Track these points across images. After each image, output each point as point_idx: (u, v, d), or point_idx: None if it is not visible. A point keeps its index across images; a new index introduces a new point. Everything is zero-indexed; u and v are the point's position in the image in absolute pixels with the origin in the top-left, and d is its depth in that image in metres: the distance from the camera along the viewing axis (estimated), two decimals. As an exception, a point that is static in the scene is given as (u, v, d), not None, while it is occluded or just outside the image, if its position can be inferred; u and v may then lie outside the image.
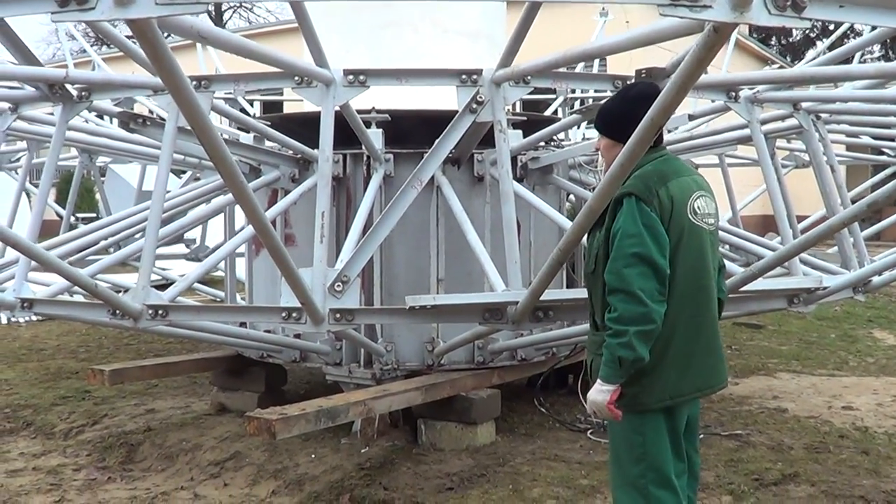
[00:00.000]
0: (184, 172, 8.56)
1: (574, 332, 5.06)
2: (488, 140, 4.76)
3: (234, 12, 41.05)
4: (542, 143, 5.86)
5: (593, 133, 3.19)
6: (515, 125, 5.66)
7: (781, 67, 19.11)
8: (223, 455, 5.08)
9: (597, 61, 15.82)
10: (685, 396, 2.97)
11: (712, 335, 3.02)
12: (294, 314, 4.13)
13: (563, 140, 7.48)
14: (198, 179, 7.23)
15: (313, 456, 4.99)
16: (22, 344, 8.86)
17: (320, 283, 4.08)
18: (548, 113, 9.44)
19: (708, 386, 3.07)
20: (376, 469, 4.79)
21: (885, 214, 10.27)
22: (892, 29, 2.36)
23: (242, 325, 5.53)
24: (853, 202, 5.18)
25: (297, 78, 4.41)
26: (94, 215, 14.90)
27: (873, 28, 4.84)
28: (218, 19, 38.66)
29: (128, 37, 5.35)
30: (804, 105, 5.32)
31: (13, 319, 9.88)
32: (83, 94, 4.80)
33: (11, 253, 5.45)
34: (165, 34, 4.12)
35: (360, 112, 4.86)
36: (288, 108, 13.07)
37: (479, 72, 4.43)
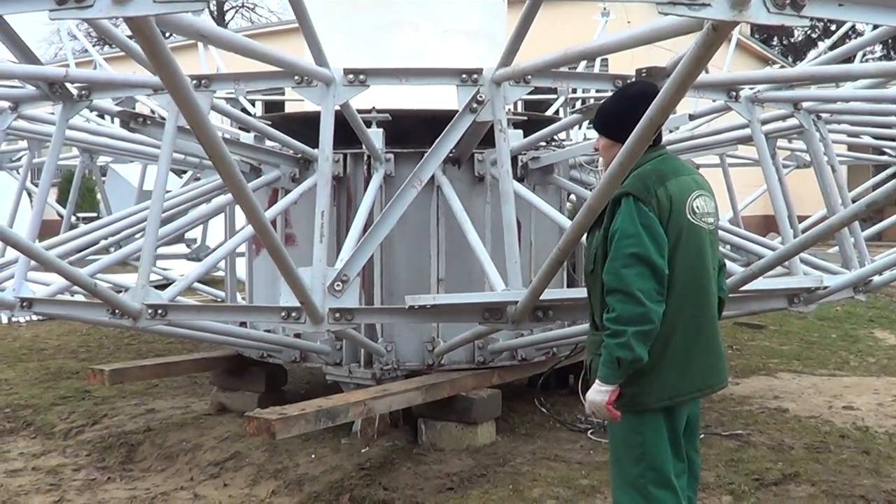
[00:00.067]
0: (185, 172, 8.56)
1: (574, 331, 5.06)
2: (489, 140, 4.75)
3: (236, 12, 41.11)
4: (543, 143, 5.85)
5: (594, 133, 3.18)
6: (516, 125, 5.66)
7: (783, 68, 19.07)
8: (223, 455, 5.07)
9: (598, 61, 15.83)
10: (685, 396, 2.96)
11: (712, 335, 3.01)
12: (293, 314, 4.12)
13: (564, 140, 7.48)
14: (198, 179, 7.23)
15: (313, 456, 4.99)
16: (22, 344, 8.87)
17: (320, 283, 4.08)
18: (549, 113, 9.44)
19: (708, 386, 3.06)
20: (376, 469, 4.78)
21: (887, 214, 10.26)
22: (892, 28, 2.36)
23: (243, 324, 5.53)
24: (854, 202, 5.17)
25: (297, 77, 4.40)
26: (94, 215, 14.91)
27: (875, 27, 4.84)
28: (220, 19, 38.70)
29: (129, 36, 5.35)
30: (805, 105, 5.31)
31: (14, 319, 9.88)
32: (83, 93, 4.80)
33: (11, 252, 5.45)
34: (168, 34, 4.13)
35: (360, 111, 4.85)
36: (290, 108, 13.06)
37: (479, 71, 4.43)
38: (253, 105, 11.33)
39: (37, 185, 5.58)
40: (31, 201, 8.25)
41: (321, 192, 4.26)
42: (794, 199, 6.12)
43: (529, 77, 4.36)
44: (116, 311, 4.24)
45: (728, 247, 6.33)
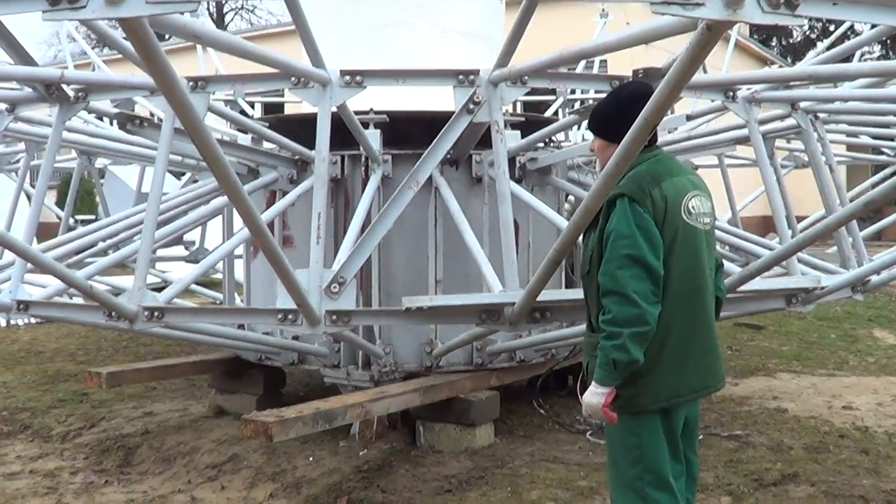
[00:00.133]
0: (184, 174, 8.55)
1: (573, 332, 5.04)
2: (487, 141, 4.74)
3: (235, 14, 41.13)
4: (541, 144, 5.84)
5: (591, 134, 3.17)
6: (514, 126, 5.64)
7: (781, 68, 19.07)
8: (221, 458, 5.06)
9: (597, 62, 15.82)
10: (682, 398, 2.95)
11: (708, 335, 3.00)
12: (290, 316, 4.11)
13: (562, 141, 7.46)
14: (197, 181, 7.21)
15: (311, 459, 4.97)
16: (21, 346, 8.86)
17: (316, 285, 4.06)
18: (548, 114, 9.42)
19: (705, 386, 3.05)
20: (374, 471, 4.77)
21: (886, 213, 10.25)
22: (890, 27, 2.35)
23: (241, 327, 5.52)
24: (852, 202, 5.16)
25: (293, 78, 4.39)
26: (92, 217, 14.89)
27: (872, 26, 4.83)
28: (220, 21, 38.72)
29: (125, 38, 5.34)
30: (802, 105, 5.30)
31: (12, 322, 9.87)
32: (80, 94, 4.78)
33: (8, 255, 5.44)
34: (168, 36, 4.11)
35: (358, 113, 4.84)
36: (289, 110, 13.06)
37: (475, 72, 4.42)
38: (252, 107, 11.32)
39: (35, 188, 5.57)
40: (29, 203, 8.24)
41: (317, 193, 4.25)
42: (793, 200, 6.11)
43: (526, 78, 4.35)
44: (112, 313, 4.23)
45: (727, 247, 6.32)
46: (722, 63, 10.60)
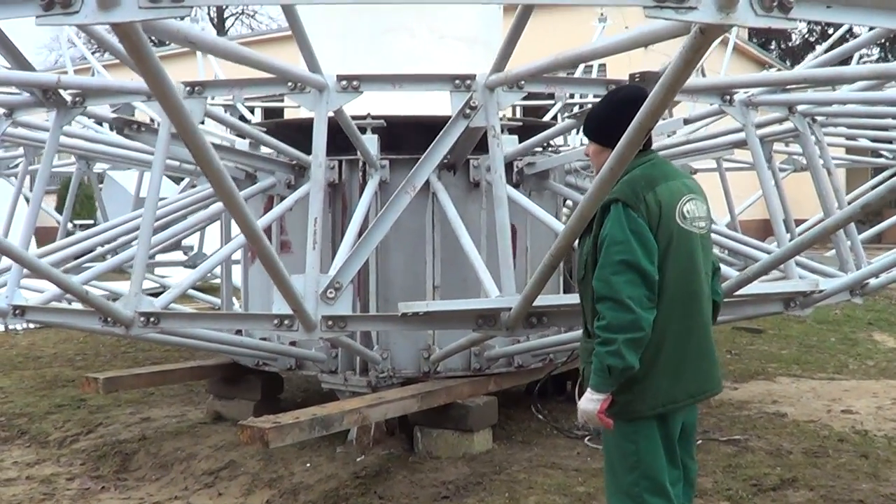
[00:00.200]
0: (182, 179, 8.54)
1: (570, 338, 5.03)
2: (484, 146, 4.74)
3: (235, 19, 41.17)
4: (539, 149, 5.84)
5: (589, 139, 3.16)
6: (511, 130, 5.63)
7: (779, 71, 19.07)
8: (218, 464, 5.05)
9: (596, 66, 15.82)
10: (678, 403, 2.93)
11: (704, 339, 2.98)
12: (286, 321, 4.10)
13: (560, 145, 7.46)
14: (195, 186, 7.21)
15: (308, 465, 4.96)
16: (19, 352, 8.85)
17: (312, 290, 4.06)
18: (547, 118, 9.42)
19: (701, 391, 3.03)
20: (372, 478, 4.75)
21: (886, 216, 10.23)
22: (887, 29, 2.34)
23: (238, 332, 5.51)
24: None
25: (290, 83, 4.39)
26: (91, 222, 14.88)
27: (870, 29, 4.82)
28: (220, 26, 38.77)
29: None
30: (799, 108, 5.30)
31: (11, 327, 9.86)
32: (77, 99, 4.79)
33: (5, 259, 5.43)
34: (167, 42, 4.10)
35: (355, 118, 4.84)
36: (289, 115, 13.05)
37: (472, 77, 4.42)
38: (252, 112, 11.31)
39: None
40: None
41: (314, 198, 4.24)
42: (791, 203, 6.10)
43: (522, 82, 4.35)
44: (109, 319, 4.22)
45: (725, 251, 6.31)
46: (720, 66, 10.60)
